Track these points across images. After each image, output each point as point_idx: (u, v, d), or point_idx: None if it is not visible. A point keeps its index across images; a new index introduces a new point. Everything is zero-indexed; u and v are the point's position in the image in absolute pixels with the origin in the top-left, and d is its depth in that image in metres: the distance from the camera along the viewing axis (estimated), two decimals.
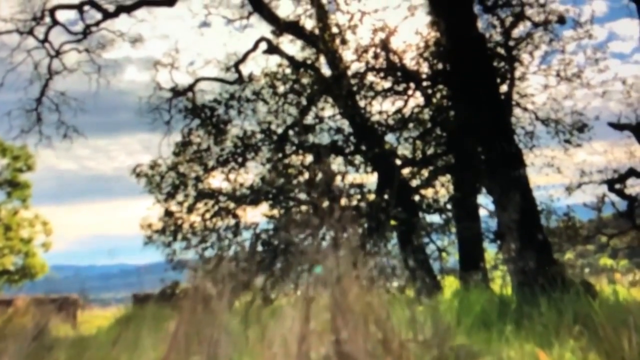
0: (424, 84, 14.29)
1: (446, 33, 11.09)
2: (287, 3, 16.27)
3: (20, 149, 29.48)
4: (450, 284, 12.49)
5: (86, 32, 17.40)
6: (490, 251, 15.66)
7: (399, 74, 14.01)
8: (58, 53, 17.67)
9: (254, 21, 16.86)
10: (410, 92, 14.38)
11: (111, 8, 16.88)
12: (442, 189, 15.30)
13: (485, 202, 14.79)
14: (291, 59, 15.26)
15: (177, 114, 16.45)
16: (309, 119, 14.73)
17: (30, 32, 17.35)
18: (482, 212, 15.00)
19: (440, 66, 14.14)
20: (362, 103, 14.48)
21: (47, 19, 17.27)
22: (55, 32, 17.59)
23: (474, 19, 10.80)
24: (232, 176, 15.10)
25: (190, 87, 16.95)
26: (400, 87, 14.14)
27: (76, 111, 18.14)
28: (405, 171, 15.02)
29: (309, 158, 14.75)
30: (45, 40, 17.50)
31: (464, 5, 10.51)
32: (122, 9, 16.58)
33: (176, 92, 17.03)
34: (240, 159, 14.80)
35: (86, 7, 17.11)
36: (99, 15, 17.21)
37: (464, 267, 13.18)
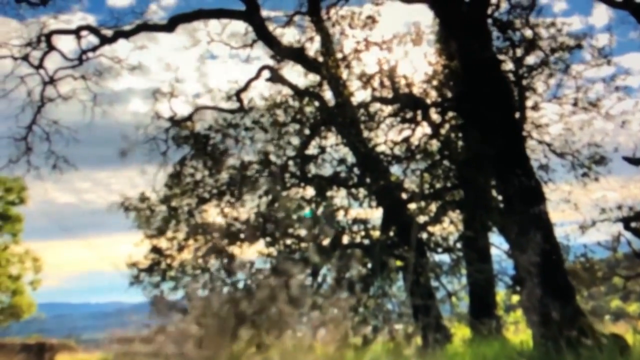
0: (433, 110, 13.57)
1: (458, 53, 10.40)
2: (292, 32, 15.62)
3: (14, 180, 28.79)
4: (460, 332, 11.58)
5: (82, 58, 16.88)
6: (500, 292, 14.77)
7: (406, 102, 13.31)
8: (52, 80, 17.11)
9: (260, 53, 16.47)
10: (418, 119, 13.66)
11: (110, 34, 16.45)
12: (451, 227, 14.51)
13: (498, 242, 14.00)
14: (294, 87, 14.66)
15: (173, 144, 15.83)
16: (311, 149, 14.02)
17: (25, 58, 16.85)
18: (494, 252, 14.21)
19: (450, 94, 13.44)
20: (366, 132, 13.79)
21: (43, 44, 16.81)
22: (52, 58, 17.15)
23: (487, 38, 10.14)
24: (227, 210, 14.38)
25: (190, 117, 16.36)
26: (408, 115, 13.41)
27: (69, 141, 17.52)
28: (412, 206, 14.24)
29: (310, 191, 14.07)
30: (40, 66, 16.97)
31: (477, 23, 9.85)
32: (120, 34, 16.07)
33: (175, 121, 16.39)
34: (236, 192, 14.08)
35: (84, 32, 16.65)
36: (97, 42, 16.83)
37: (475, 313, 12.26)
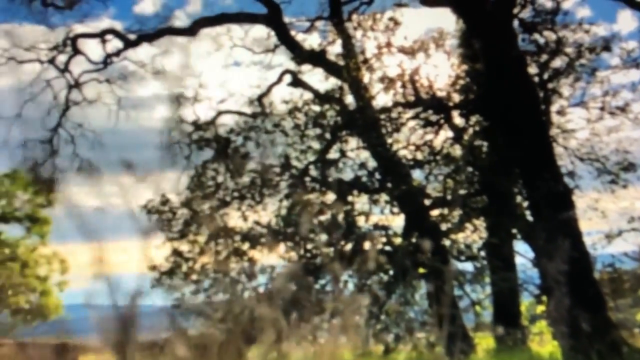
0: (456, 114, 13.07)
1: (483, 53, 9.91)
2: (314, 38, 15.30)
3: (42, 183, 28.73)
4: (484, 342, 11.04)
5: (107, 62, 16.74)
6: (525, 301, 14.17)
7: (428, 105, 12.84)
8: (77, 83, 16.98)
9: (282, 60, 16.17)
10: (440, 122, 13.17)
11: (134, 38, 16.29)
12: (474, 234, 13.97)
13: (522, 249, 13.41)
14: (315, 91, 14.30)
15: (196, 149, 15.58)
16: (332, 153, 13.62)
17: (52, 62, 16.76)
18: (519, 260, 13.61)
19: (474, 97, 12.92)
20: (388, 137, 13.35)
21: (69, 48, 16.69)
22: (78, 62, 17.04)
23: (513, 37, 9.64)
24: (248, 213, 14.04)
25: (212, 121, 16.13)
26: (432, 117, 12.93)
27: (94, 144, 17.47)
28: (434, 213, 13.75)
29: (331, 196, 13.67)
30: (65, 69, 16.86)
31: (503, 22, 9.36)
32: (143, 38, 15.87)
33: (197, 125, 16.13)
34: (257, 195, 13.73)
35: (109, 36, 16.50)
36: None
37: (499, 323, 11.71)
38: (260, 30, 16.70)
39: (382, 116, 13.35)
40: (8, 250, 30.35)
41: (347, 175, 13.68)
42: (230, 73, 30.76)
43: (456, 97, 13.63)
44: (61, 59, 16.73)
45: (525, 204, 13.40)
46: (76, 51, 16.42)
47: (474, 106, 12.70)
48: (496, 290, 12.46)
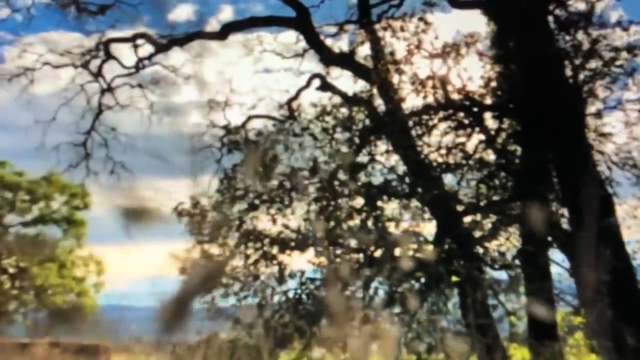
0: (488, 115, 12.45)
1: (517, 51, 9.29)
2: (343, 43, 14.87)
3: (78, 186, 28.86)
4: (518, 353, 10.41)
5: (138, 66, 16.53)
6: (560, 312, 13.45)
7: (459, 107, 12.24)
8: (110, 87, 16.80)
9: (311, 66, 15.82)
10: (472, 124, 12.57)
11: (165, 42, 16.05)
12: (507, 242, 13.32)
13: (557, 258, 12.71)
14: (343, 95, 13.85)
15: (227, 153, 15.30)
16: (360, 157, 13.14)
17: (85, 66, 16.63)
18: (554, 270, 12.90)
19: (506, 97, 12.26)
20: (418, 140, 12.82)
21: (101, 53, 16.53)
22: (111, 67, 16.89)
23: (549, 34, 9.00)
24: (277, 217, 13.64)
25: (243, 125, 15.85)
26: (464, 120, 12.32)
27: (126, 148, 17.34)
28: (467, 219, 13.14)
29: (360, 200, 13.18)
30: (98, 74, 16.71)
31: (538, 18, 8.73)
32: (174, 42, 15.60)
33: (228, 129, 15.84)
34: (286, 199, 13.32)
35: (140, 41, 16.28)
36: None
37: (534, 335, 11.03)
38: (289, 37, 16.40)
39: (412, 119, 12.82)
40: (46, 251, 30.54)
41: (377, 180, 13.20)
42: (260, 79, 30.63)
43: (488, 100, 13.07)
44: (95, 63, 16.61)
45: (562, 210, 12.81)
46: (108, 56, 16.25)
47: (507, 109, 12.06)
48: (531, 300, 11.77)
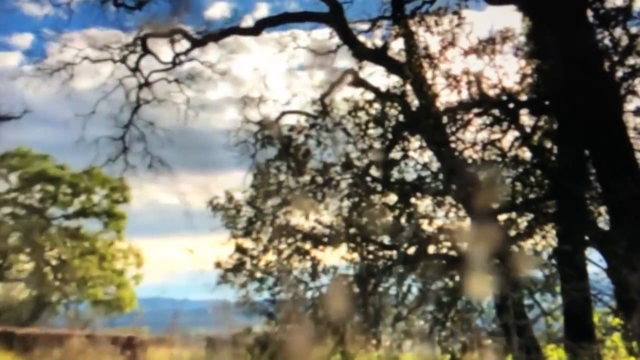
0: (524, 114, 12.04)
1: (555, 46, 8.88)
2: (376, 38, 14.56)
3: (118, 180, 29.16)
4: (555, 354, 10.04)
5: (175, 62, 16.52)
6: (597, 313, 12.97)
7: (494, 104, 11.84)
8: (147, 82, 16.84)
9: (345, 64, 15.56)
10: (508, 122, 12.16)
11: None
12: (543, 241, 12.90)
13: (594, 258, 12.24)
14: (376, 90, 13.56)
15: (261, 148, 15.18)
16: (393, 152, 12.85)
17: (123, 61, 16.69)
18: (590, 270, 12.44)
19: (543, 94, 11.79)
20: (452, 136, 12.47)
21: (139, 48, 16.57)
22: (148, 61, 16.93)
23: (588, 28, 8.58)
24: (309, 212, 13.47)
25: (276, 120, 15.74)
26: (497, 114, 11.92)
27: (164, 142, 17.40)
28: (501, 217, 12.75)
29: (393, 197, 12.91)
30: (136, 69, 16.76)
31: (577, 11, 8.32)
32: (210, 37, 15.53)
33: (262, 125, 15.72)
34: (319, 194, 13.13)
35: (177, 36, 16.25)
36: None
37: (571, 336, 10.63)
38: (322, 34, 16.19)
39: (447, 115, 12.48)
40: (87, 243, 30.94)
41: (410, 176, 12.90)
42: (294, 75, 30.43)
43: (524, 97, 12.65)
44: (132, 58, 16.66)
45: (600, 209, 12.35)
46: (146, 51, 16.27)
47: (543, 105, 11.64)
48: (568, 301, 11.34)
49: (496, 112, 12.22)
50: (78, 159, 27.51)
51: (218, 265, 14.16)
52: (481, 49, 12.90)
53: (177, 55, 16.25)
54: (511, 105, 11.56)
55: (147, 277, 32.59)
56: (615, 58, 12.32)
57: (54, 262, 30.60)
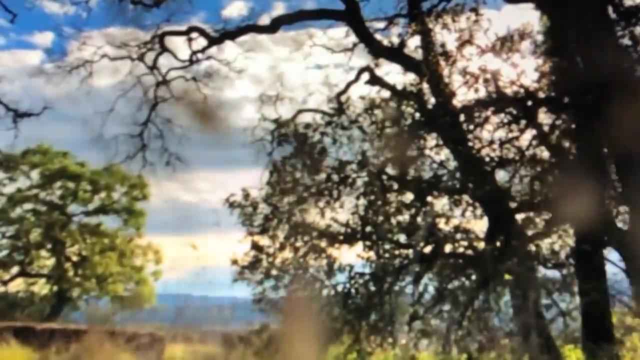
0: (542, 112, 11.80)
1: (575, 42, 8.65)
2: (392, 37, 14.36)
3: (137, 177, 29.25)
4: (573, 354, 9.83)
5: (192, 59, 16.45)
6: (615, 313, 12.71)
7: (512, 103, 11.62)
8: (165, 80, 16.79)
9: (361, 63, 15.37)
10: (525, 120, 11.93)
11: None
12: (560, 240, 12.67)
13: (614, 258, 11.98)
14: (393, 88, 13.39)
15: (276, 145, 15.08)
16: (410, 151, 12.68)
17: (141, 59, 16.65)
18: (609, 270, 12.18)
19: (561, 92, 11.54)
20: (469, 134, 12.27)
21: (157, 46, 16.52)
22: (167, 60, 16.88)
23: (609, 24, 8.35)
24: (326, 211, 13.36)
25: (293, 118, 15.60)
26: (516, 115, 11.69)
27: (181, 139, 17.32)
28: (519, 217, 12.54)
29: (409, 196, 12.75)
30: (154, 66, 16.71)
31: (598, 8, 8.09)
32: (227, 35, 15.44)
33: (279, 123, 15.62)
34: (335, 192, 13.00)
35: (194, 34, 16.19)
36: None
37: (589, 336, 10.39)
38: (339, 32, 16.05)
39: (464, 113, 12.28)
40: (107, 240, 31.06)
41: (426, 175, 12.73)
42: (310, 74, 30.32)
43: (542, 94, 12.43)
44: (150, 56, 16.61)
45: (619, 208, 12.10)
46: (163, 48, 16.21)
47: (562, 103, 11.40)
48: (586, 301, 11.10)
49: (514, 110, 12.00)
50: (97, 156, 27.60)
51: (234, 262, 14.13)
52: (499, 47, 12.70)
53: (194, 53, 16.16)
54: (529, 103, 11.31)
55: (166, 274, 32.72)
56: (636, 55, 12.08)
57: (74, 258, 30.80)
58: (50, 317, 28.36)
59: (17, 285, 30.33)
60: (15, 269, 30.00)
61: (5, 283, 30.01)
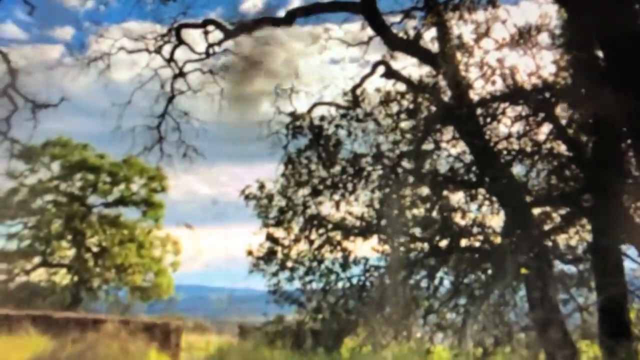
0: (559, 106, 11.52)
1: (594, 29, 8.33)
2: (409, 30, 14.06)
3: (156, 170, 29.22)
4: (590, 350, 9.59)
5: (209, 52, 16.31)
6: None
7: (529, 97, 11.33)
8: (182, 72, 16.68)
9: (377, 57, 15.12)
10: (543, 114, 11.64)
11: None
12: (577, 235, 12.39)
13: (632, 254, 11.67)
14: (408, 81, 13.14)
15: (291, 137, 14.90)
16: (425, 144, 12.45)
17: (158, 52, 16.55)
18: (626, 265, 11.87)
19: (579, 85, 11.21)
20: (485, 128, 12.01)
21: (173, 39, 16.41)
22: (182, 53, 16.76)
23: (633, 13, 8.04)
24: (341, 204, 13.21)
25: (308, 112, 15.42)
26: (534, 108, 11.42)
27: (198, 132, 17.22)
28: (536, 211, 12.27)
29: (425, 190, 12.53)
30: (170, 59, 16.60)
31: None
32: (242, 28, 15.26)
33: (295, 116, 15.44)
34: (350, 185, 12.83)
35: (210, 27, 16.04)
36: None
37: (607, 332, 10.13)
38: (354, 26, 15.79)
39: (480, 106, 12.01)
40: (126, 231, 31.10)
41: (442, 168, 12.50)
42: (326, 69, 30.05)
43: (559, 89, 12.13)
44: (167, 49, 16.50)
45: (638, 204, 11.79)
46: (180, 41, 16.08)
47: (581, 95, 11.09)
48: (603, 296, 10.81)
49: (531, 104, 11.71)
50: (116, 149, 27.60)
51: (249, 253, 14.04)
52: (516, 40, 12.41)
53: (210, 45, 16.01)
54: (547, 94, 11.01)
55: (184, 266, 32.74)
56: None
57: (94, 249, 30.88)
58: (71, 306, 28.49)
59: (39, 275, 30.47)
60: (37, 259, 30.12)
61: (27, 273, 30.15)
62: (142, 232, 31.38)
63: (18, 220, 29.83)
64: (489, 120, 12.07)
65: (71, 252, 31.05)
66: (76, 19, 20.88)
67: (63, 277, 30.95)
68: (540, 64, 12.19)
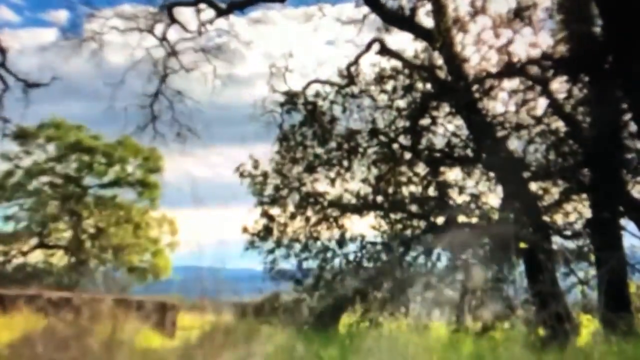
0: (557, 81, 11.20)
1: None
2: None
3: (151, 150, 28.82)
4: (591, 324, 9.33)
5: (201, 31, 15.84)
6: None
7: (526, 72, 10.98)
8: (174, 51, 16.22)
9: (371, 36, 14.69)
10: (540, 89, 11.30)
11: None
12: (575, 211, 12.13)
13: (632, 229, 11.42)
14: (404, 59, 12.74)
15: (285, 113, 14.51)
16: (422, 120, 12.11)
17: (150, 31, 16.07)
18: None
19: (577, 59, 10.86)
20: (482, 103, 11.67)
21: (165, 18, 15.93)
22: (175, 33, 16.31)
23: None
24: (337, 180, 12.91)
25: (303, 90, 15.03)
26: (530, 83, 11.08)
27: (192, 111, 16.79)
28: (534, 187, 11.99)
29: (421, 166, 12.21)
30: (163, 38, 16.14)
31: None
32: (235, 6, 14.81)
33: (289, 95, 15.04)
34: (345, 162, 12.50)
35: (202, 5, 15.57)
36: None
37: (607, 305, 9.86)
38: (348, 6, 15.31)
39: (477, 79, 11.65)
40: (122, 212, 30.77)
41: (439, 143, 12.17)
42: (321, 49, 29.65)
43: (556, 63, 11.78)
44: (159, 28, 16.03)
45: (637, 178, 11.52)
46: (172, 20, 15.61)
47: (581, 64, 10.74)
48: (604, 269, 10.56)
49: (530, 73, 11.35)
50: (107, 129, 27.11)
51: (245, 230, 13.76)
52: (512, 17, 12.02)
53: (202, 24, 15.55)
54: (548, 63, 10.62)
55: (181, 246, 32.44)
56: None
57: (91, 230, 30.58)
58: (68, 287, 28.24)
59: (36, 257, 30.17)
60: (33, 241, 29.81)
61: (24, 254, 29.84)
62: (138, 212, 31.03)
63: (14, 202, 29.49)
64: (484, 94, 11.73)
65: (68, 234, 30.75)
66: (70, 1, 20.31)
67: (60, 259, 30.65)
68: (538, 40, 11.88)
